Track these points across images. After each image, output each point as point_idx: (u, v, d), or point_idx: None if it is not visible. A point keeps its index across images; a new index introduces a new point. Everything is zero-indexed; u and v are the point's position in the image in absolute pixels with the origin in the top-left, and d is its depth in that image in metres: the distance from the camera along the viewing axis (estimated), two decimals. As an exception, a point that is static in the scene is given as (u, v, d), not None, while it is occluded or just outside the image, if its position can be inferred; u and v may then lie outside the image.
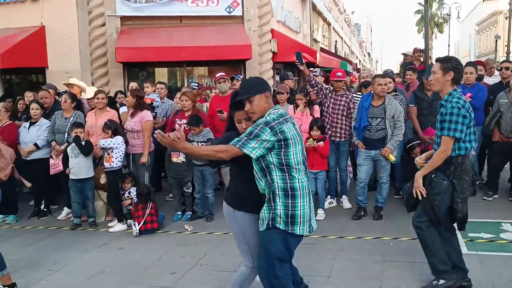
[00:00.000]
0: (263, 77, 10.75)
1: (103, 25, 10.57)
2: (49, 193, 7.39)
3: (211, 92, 9.41)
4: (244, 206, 3.45)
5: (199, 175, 6.66)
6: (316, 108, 6.88)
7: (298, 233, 3.28)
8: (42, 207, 7.33)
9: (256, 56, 10.99)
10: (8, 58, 9.80)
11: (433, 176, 4.03)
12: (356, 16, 58.59)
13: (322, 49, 19.47)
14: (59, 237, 6.27)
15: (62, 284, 4.74)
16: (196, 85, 8.85)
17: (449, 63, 3.96)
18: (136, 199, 6.46)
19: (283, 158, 3.20)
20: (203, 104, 8.33)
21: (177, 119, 6.98)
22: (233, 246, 5.06)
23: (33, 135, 7.11)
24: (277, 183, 3.23)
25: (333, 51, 24.59)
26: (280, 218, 3.23)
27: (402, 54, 12.04)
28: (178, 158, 6.69)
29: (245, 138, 3.16)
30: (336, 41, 27.81)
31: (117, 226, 6.47)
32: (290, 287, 3.41)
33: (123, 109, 7.41)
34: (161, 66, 11.39)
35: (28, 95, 8.12)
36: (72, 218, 6.69)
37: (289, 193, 3.23)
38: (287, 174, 3.23)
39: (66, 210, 7.10)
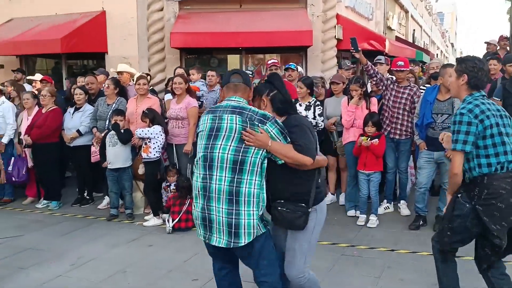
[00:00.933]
0: (326, 65, 10.03)
1: (161, 9, 10.29)
2: (92, 181, 7.23)
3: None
4: (319, 198, 3.19)
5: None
6: (373, 101, 6.12)
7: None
8: (85, 194, 7.20)
9: (319, 43, 10.24)
10: (68, 42, 9.80)
11: (458, 195, 3.29)
12: (440, 4, 55.26)
13: (397, 38, 18.23)
14: (94, 228, 6.04)
15: (78, 282, 4.43)
16: (250, 73, 8.31)
17: (463, 64, 3.24)
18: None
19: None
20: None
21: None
22: None
23: (76, 121, 6.95)
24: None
25: (410, 40, 23.08)
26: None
27: (485, 43, 10.77)
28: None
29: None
30: (414, 30, 26.16)
31: (151, 220, 6.14)
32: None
33: (167, 97, 7.07)
34: (219, 52, 10.98)
35: (80, 80, 8.02)
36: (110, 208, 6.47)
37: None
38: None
39: (106, 199, 6.90)
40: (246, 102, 3.02)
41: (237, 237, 2.85)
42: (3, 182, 6.97)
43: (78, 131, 6.86)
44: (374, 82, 6.23)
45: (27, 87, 8.69)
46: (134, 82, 6.83)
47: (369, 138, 5.63)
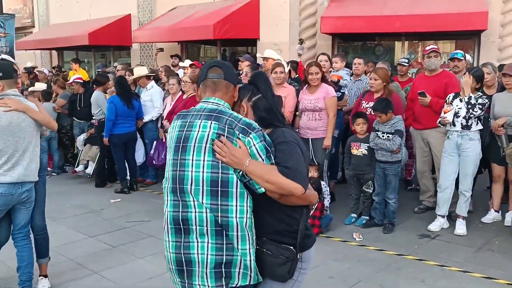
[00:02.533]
0: (503, 53, 8.43)
1: (315, -7, 9.74)
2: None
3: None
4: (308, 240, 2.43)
5: (381, 173, 5.32)
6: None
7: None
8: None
9: (496, 27, 8.65)
10: (220, 28, 9.85)
11: None
12: None
13: None
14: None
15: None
16: (406, 61, 7.29)
17: None
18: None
19: None
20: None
21: (364, 101, 5.71)
22: (401, 277, 3.79)
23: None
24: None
25: None
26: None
27: None
28: (359, 150, 5.47)
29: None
30: None
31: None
32: None
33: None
34: (374, 39, 10.02)
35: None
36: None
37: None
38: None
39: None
40: (228, 105, 2.26)
41: (229, 278, 2.13)
42: None
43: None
44: None
45: (181, 73, 8.90)
46: (271, 70, 6.37)
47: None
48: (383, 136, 5.21)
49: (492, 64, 6.11)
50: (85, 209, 6.34)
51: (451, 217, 5.39)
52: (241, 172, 2.10)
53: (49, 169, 8.51)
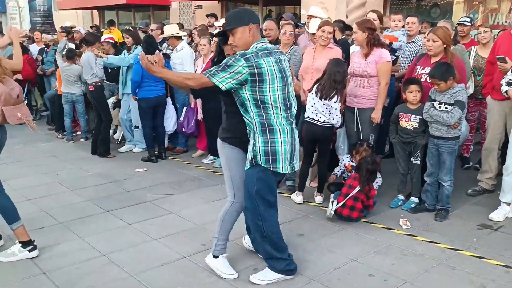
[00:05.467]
0: None
1: None
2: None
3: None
4: (228, 139, 3.37)
5: (434, 151, 4.56)
6: None
7: (280, 171, 3.18)
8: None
9: None
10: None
11: None
12: None
13: None
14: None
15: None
16: (468, 20, 6.32)
17: None
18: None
19: (258, 94, 3.04)
20: (473, 47, 5.89)
21: (419, 66, 4.89)
22: (455, 279, 3.12)
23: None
24: (254, 119, 3.11)
25: None
26: (260, 155, 3.13)
27: None
28: (409, 122, 4.70)
29: (216, 68, 3.02)
30: None
31: (318, 197, 5.06)
32: (278, 233, 3.38)
33: (353, 48, 5.70)
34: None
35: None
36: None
37: (267, 128, 3.11)
38: (262, 111, 3.09)
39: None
40: None
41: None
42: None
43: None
44: None
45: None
46: (317, 28, 5.60)
47: None
48: (440, 107, 4.42)
49: None
50: (107, 178, 5.93)
51: (518, 205, 4.59)
52: None
53: (78, 133, 8.22)
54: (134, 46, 6.89)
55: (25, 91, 9.44)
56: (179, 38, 6.98)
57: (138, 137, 7.13)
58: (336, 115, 4.77)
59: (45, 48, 9.58)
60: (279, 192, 5.29)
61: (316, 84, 4.84)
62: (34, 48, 10.22)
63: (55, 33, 11.83)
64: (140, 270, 3.60)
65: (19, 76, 9.22)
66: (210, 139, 6.62)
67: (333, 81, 4.70)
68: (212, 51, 6.49)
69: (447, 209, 4.60)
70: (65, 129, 8.03)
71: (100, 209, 4.86)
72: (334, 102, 4.73)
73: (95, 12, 16.45)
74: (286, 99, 3.13)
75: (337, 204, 4.52)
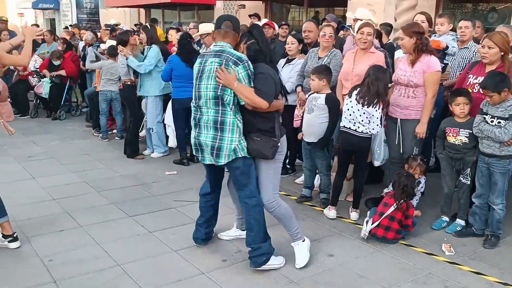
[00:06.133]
0: None
1: None
2: (296, 148, 6.08)
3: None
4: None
5: (484, 170, 4.10)
6: None
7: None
8: (287, 163, 6.14)
9: None
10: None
11: None
12: None
13: None
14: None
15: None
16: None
17: None
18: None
19: None
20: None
21: (471, 75, 4.44)
22: None
23: (285, 75, 5.77)
24: None
25: None
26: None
27: None
28: (457, 137, 4.26)
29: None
30: None
31: (353, 214, 4.69)
32: None
33: (398, 54, 5.29)
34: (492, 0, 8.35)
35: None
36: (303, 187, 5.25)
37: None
38: None
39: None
40: (230, 46, 3.37)
41: (218, 158, 3.39)
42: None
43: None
44: None
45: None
46: (356, 30, 5.24)
47: None
48: (492, 121, 3.97)
49: None
50: (136, 180, 5.76)
51: None
52: (232, 91, 3.27)
53: (114, 131, 8.15)
54: (148, 46, 6.66)
55: (66, 87, 9.51)
56: (214, 37, 6.77)
57: (156, 141, 6.89)
58: (377, 125, 4.39)
59: (86, 46, 9.62)
60: (310, 205, 5.01)
61: (356, 91, 4.47)
62: (82, 45, 10.30)
63: (99, 30, 11.91)
64: (154, 285, 3.37)
65: (62, 73, 9.33)
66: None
67: (375, 88, 4.32)
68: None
69: (498, 235, 4.13)
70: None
71: (123, 214, 4.69)
72: (376, 110, 4.35)
73: (142, 10, 16.56)
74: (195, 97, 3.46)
75: (372, 224, 4.14)
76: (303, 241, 3.68)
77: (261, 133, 3.37)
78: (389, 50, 5.71)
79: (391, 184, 4.49)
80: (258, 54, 3.42)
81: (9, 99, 10.15)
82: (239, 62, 3.24)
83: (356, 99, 4.40)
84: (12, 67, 9.99)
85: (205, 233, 3.96)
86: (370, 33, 4.95)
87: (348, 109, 4.48)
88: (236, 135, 3.31)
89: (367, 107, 4.36)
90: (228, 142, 3.31)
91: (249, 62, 3.29)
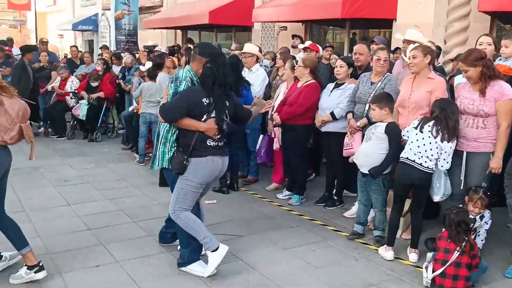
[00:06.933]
0: None
1: (472, -38, 7.80)
2: (344, 178, 5.69)
3: None
4: None
5: None
6: None
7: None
8: (333, 193, 5.75)
9: None
10: (350, 6, 8.44)
11: None
12: None
13: None
14: (322, 246, 4.51)
15: None
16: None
17: None
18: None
19: None
20: None
21: (548, 105, 3.99)
22: None
23: (333, 101, 5.45)
24: None
25: None
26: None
27: None
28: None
29: None
30: None
31: (412, 255, 4.25)
32: None
33: (458, 79, 4.87)
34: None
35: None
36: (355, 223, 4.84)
37: None
38: None
39: (355, 206, 5.27)
40: (191, 69, 3.84)
41: (153, 164, 3.95)
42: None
43: (332, 113, 5.37)
44: None
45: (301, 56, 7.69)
46: (408, 55, 4.86)
47: None
48: None
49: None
50: (174, 209, 5.46)
51: None
52: None
53: (151, 155, 7.92)
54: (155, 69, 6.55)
55: (103, 109, 9.41)
56: (256, 59, 6.53)
57: None
58: (447, 162, 4.00)
59: (126, 68, 9.53)
60: (363, 243, 4.60)
61: (429, 123, 4.06)
62: (116, 68, 10.24)
63: (138, 52, 11.88)
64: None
65: (101, 95, 9.25)
66: (287, 172, 6.03)
67: (452, 123, 3.97)
68: (294, 76, 5.91)
69: None
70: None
71: (160, 248, 4.38)
72: (450, 147, 3.97)
73: (179, 31, 16.57)
74: None
75: (433, 272, 3.70)
76: (212, 251, 3.73)
77: (179, 147, 3.72)
78: (441, 73, 5.32)
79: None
80: (204, 77, 3.72)
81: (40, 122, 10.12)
82: (172, 81, 3.78)
83: (431, 132, 4.00)
84: (49, 88, 10.01)
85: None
86: (386, 58, 4.86)
87: (416, 140, 4.08)
88: (166, 147, 3.77)
89: (445, 142, 3.97)
90: (159, 152, 3.81)
91: (181, 82, 3.72)
